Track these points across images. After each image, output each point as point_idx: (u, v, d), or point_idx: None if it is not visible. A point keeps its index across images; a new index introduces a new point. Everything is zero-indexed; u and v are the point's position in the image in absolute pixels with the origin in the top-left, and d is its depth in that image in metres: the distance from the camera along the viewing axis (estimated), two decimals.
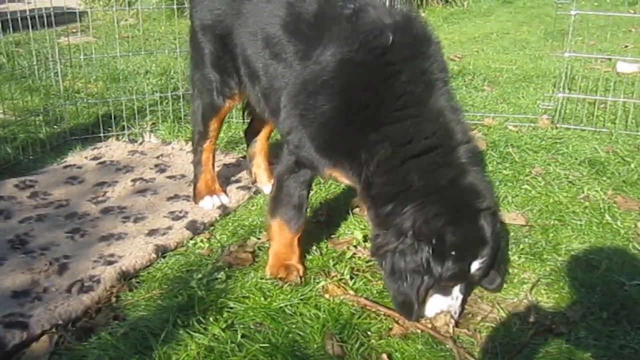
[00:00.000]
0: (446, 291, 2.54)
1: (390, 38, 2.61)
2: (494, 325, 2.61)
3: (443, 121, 2.57)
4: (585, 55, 6.12)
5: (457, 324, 2.58)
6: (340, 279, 2.87)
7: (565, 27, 5.37)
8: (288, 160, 2.91)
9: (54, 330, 2.52)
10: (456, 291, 2.55)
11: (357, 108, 2.64)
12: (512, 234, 3.33)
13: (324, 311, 2.62)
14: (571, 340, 2.50)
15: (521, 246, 3.20)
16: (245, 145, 4.18)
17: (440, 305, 2.56)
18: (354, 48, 2.67)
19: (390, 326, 2.58)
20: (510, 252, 3.14)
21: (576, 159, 4.34)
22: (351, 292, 2.79)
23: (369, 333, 2.54)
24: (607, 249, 3.18)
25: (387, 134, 2.56)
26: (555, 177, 4.03)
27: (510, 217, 3.51)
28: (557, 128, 5.00)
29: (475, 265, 2.45)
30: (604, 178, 4.01)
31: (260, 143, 3.99)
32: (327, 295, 2.75)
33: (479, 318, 2.67)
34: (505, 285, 2.88)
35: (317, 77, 2.76)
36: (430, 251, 2.40)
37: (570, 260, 3.09)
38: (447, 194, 2.48)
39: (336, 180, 2.97)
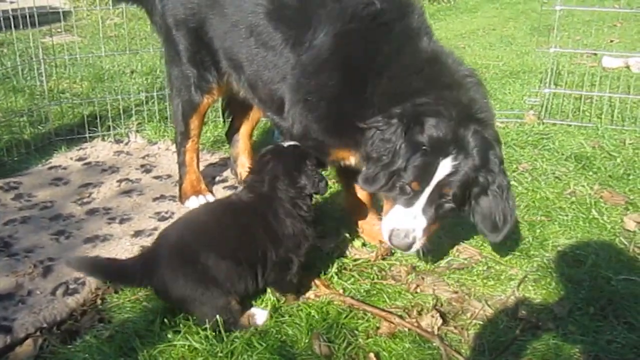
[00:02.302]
0: (408, 204, 2.51)
1: (378, 5, 2.76)
2: (481, 322, 2.62)
3: (442, 57, 2.71)
4: (571, 50, 6.15)
5: (444, 321, 2.58)
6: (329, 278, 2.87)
7: (551, 22, 5.39)
8: None
9: (38, 333, 2.50)
10: (418, 208, 2.50)
11: (358, 74, 2.72)
12: None
13: (312, 311, 2.61)
14: (559, 336, 2.51)
15: (508, 243, 3.19)
16: None
17: (398, 218, 2.53)
18: (346, 21, 2.79)
19: (377, 325, 2.58)
20: (497, 249, 3.14)
21: (562, 154, 4.36)
22: (340, 291, 2.79)
23: (356, 332, 2.54)
24: (593, 244, 3.19)
25: (385, 80, 2.67)
26: (542, 173, 4.04)
27: None
28: (543, 124, 5.01)
29: (443, 167, 2.42)
30: (590, 173, 4.03)
31: (242, 142, 3.97)
32: (313, 295, 2.74)
33: (467, 315, 2.67)
34: (492, 282, 2.90)
35: (315, 59, 2.83)
36: (403, 133, 2.45)
37: (557, 256, 3.09)
38: (443, 95, 2.53)
39: (339, 164, 3.00)
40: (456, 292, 2.82)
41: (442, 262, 3.06)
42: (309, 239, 2.64)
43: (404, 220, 2.51)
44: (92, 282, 2.81)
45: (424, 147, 2.44)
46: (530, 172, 4.05)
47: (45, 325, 2.54)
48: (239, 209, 2.65)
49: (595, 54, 6.80)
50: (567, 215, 3.47)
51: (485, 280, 2.91)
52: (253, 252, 2.53)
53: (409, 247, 2.53)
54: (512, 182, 3.85)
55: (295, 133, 2.87)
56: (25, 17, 4.65)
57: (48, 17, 5.61)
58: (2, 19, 4.77)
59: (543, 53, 5.99)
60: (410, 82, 2.61)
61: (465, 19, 10.89)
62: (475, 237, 3.27)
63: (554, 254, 3.11)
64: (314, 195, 2.74)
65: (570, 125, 4.95)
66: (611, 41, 7.24)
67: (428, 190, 2.47)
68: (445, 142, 2.43)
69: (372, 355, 2.38)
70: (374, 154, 2.57)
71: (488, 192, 2.53)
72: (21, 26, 4.72)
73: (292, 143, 2.75)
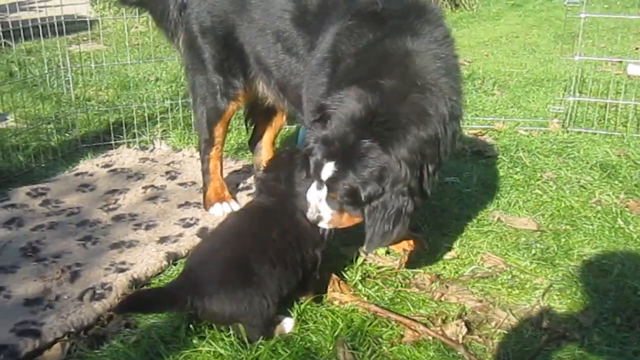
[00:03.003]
0: (317, 187, 2.55)
1: (381, 5, 2.73)
2: (506, 331, 2.60)
3: (415, 54, 2.60)
4: (595, 58, 6.09)
5: (469, 330, 2.57)
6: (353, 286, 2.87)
7: (575, 30, 5.35)
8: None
9: (66, 338, 2.53)
10: (322, 194, 2.53)
11: (346, 68, 2.70)
12: (523, 239, 3.32)
13: (336, 318, 2.62)
14: (584, 346, 2.48)
15: (533, 251, 3.18)
16: None
17: (311, 193, 2.57)
18: (347, 19, 2.78)
19: (401, 333, 2.57)
20: (521, 258, 3.13)
21: (587, 162, 4.32)
22: (364, 298, 2.79)
23: (380, 340, 2.53)
24: (619, 253, 3.16)
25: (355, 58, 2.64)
26: (567, 182, 4.01)
27: (522, 222, 3.50)
28: (568, 132, 4.98)
29: (326, 169, 2.44)
30: (616, 182, 3.99)
31: (265, 150, 4.00)
32: (337, 302, 2.74)
33: (491, 324, 2.65)
34: (517, 291, 2.88)
35: (317, 59, 2.86)
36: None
37: (583, 265, 3.07)
38: (361, 99, 2.44)
39: None
40: (480, 301, 2.81)
41: (466, 271, 3.05)
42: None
43: (312, 198, 2.57)
44: (118, 287, 2.84)
45: (318, 145, 2.46)
46: (554, 181, 4.02)
47: (72, 329, 2.57)
48: (269, 213, 2.67)
49: (620, 62, 6.74)
50: (592, 225, 3.44)
51: (509, 289, 2.90)
52: (293, 253, 2.54)
53: (316, 222, 2.58)
54: (537, 191, 3.86)
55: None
56: (53, 25, 4.73)
57: (75, 26, 5.70)
58: (30, 27, 4.85)
59: (567, 61, 5.95)
60: (369, 63, 2.59)
61: (488, 26, 10.85)
62: (499, 245, 3.26)
63: (580, 264, 3.09)
64: None
65: (595, 134, 4.91)
66: (636, 49, 7.18)
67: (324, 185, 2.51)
68: (333, 146, 2.42)
69: None
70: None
71: (370, 205, 2.47)
72: (49, 34, 4.79)
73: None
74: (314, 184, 2.56)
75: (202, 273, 2.40)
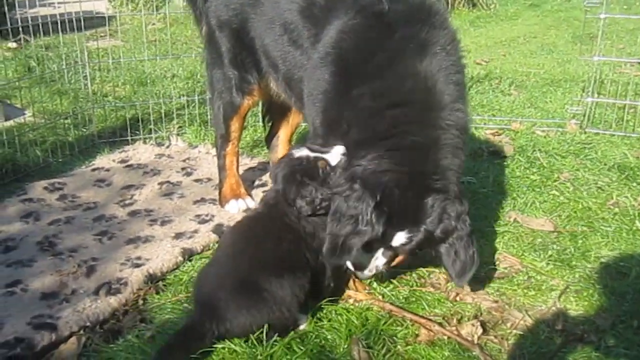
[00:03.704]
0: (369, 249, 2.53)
1: (387, 6, 2.68)
2: (522, 332, 2.58)
3: (427, 80, 2.57)
4: (614, 59, 6.04)
5: (484, 330, 2.56)
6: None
7: (594, 30, 5.32)
8: None
9: (82, 332, 2.54)
10: (379, 252, 2.54)
11: (349, 72, 2.68)
12: (539, 240, 3.30)
13: (351, 316, 2.61)
14: (601, 349, 2.46)
15: (549, 252, 3.16)
16: None
17: (360, 259, 2.55)
18: (352, 15, 2.75)
19: (416, 332, 2.57)
20: (538, 259, 3.11)
21: (605, 164, 4.28)
22: (379, 297, 2.78)
23: (395, 339, 2.53)
24: (637, 256, 3.12)
25: (370, 87, 2.59)
26: (584, 183, 3.98)
27: (538, 222, 3.47)
28: (585, 133, 4.94)
29: (399, 238, 2.44)
30: (634, 184, 3.95)
31: (282, 147, 4.01)
32: (352, 300, 2.74)
33: (507, 325, 2.64)
34: (533, 292, 2.86)
35: (319, 53, 2.83)
36: (371, 202, 2.39)
37: (600, 267, 3.04)
38: (405, 158, 2.45)
39: None
40: (496, 302, 2.79)
41: (482, 271, 3.03)
42: None
43: (369, 263, 2.58)
44: (134, 282, 2.85)
45: (385, 215, 2.41)
46: (572, 182, 3.99)
47: (88, 324, 2.58)
48: (260, 223, 2.64)
49: (639, 63, 6.68)
50: (610, 227, 3.41)
51: (525, 290, 2.88)
52: (296, 257, 2.51)
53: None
54: (554, 192, 3.83)
55: (311, 129, 2.88)
56: (72, 21, 4.76)
57: (93, 22, 5.75)
58: (49, 23, 4.89)
59: (586, 61, 5.90)
60: (385, 118, 2.53)
61: (505, 26, 10.80)
62: (515, 246, 3.24)
63: (597, 265, 3.06)
64: None
65: (613, 135, 4.86)
66: None
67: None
68: (402, 217, 2.43)
69: None
70: (336, 222, 2.48)
71: (445, 244, 2.52)
72: (67, 30, 4.82)
73: (302, 154, 2.63)
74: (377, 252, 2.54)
75: (217, 303, 2.37)
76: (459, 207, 2.48)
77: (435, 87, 2.56)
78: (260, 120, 4.82)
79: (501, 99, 6.02)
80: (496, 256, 3.15)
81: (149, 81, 6.28)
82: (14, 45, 7.38)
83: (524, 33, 9.96)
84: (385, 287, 2.85)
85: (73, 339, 2.50)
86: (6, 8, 6.93)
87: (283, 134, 4.00)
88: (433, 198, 2.42)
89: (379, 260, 2.56)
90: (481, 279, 2.96)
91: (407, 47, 2.62)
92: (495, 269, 3.05)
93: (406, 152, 2.46)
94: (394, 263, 2.67)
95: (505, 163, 4.34)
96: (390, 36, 2.66)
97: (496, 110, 5.64)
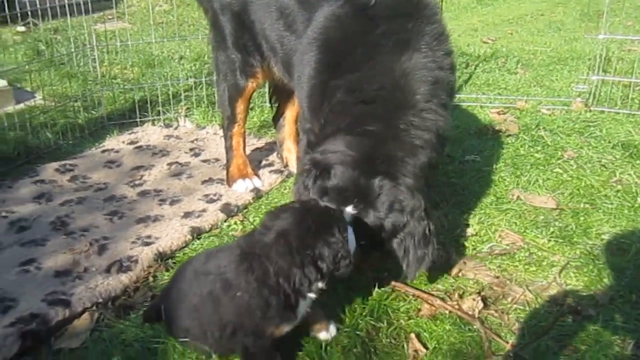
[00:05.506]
0: None
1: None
2: (522, 307, 2.64)
3: (401, 79, 2.58)
4: (621, 37, 6.00)
5: (485, 305, 2.62)
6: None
7: (602, 7, 5.29)
8: (302, 136, 3.00)
9: (94, 308, 2.62)
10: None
11: (330, 63, 2.72)
12: (542, 217, 3.35)
13: (355, 291, 2.67)
14: (599, 323, 2.51)
15: (551, 229, 3.21)
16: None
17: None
18: (339, 4, 2.79)
19: (419, 307, 2.63)
20: (539, 236, 3.16)
21: (609, 142, 4.30)
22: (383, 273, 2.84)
23: (398, 313, 2.59)
24: (638, 232, 3.17)
25: (345, 81, 2.63)
26: (588, 161, 4.01)
27: (541, 200, 3.51)
28: (591, 111, 4.95)
29: (345, 214, 2.43)
30: (638, 162, 3.97)
31: (288, 127, 4.05)
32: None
33: (508, 300, 2.69)
34: (534, 268, 2.91)
35: (307, 38, 2.87)
36: (315, 180, 2.49)
37: (601, 243, 3.09)
38: (362, 142, 2.50)
39: None
40: (497, 277, 2.85)
41: (484, 248, 3.09)
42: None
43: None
44: (144, 260, 2.93)
45: (330, 195, 2.46)
46: (575, 160, 4.02)
47: (100, 300, 2.66)
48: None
49: None
50: (612, 204, 3.45)
51: (527, 266, 2.93)
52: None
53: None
54: (557, 170, 3.86)
55: (300, 112, 2.94)
56: (80, 4, 4.80)
57: (100, 4, 5.78)
58: (57, 6, 4.93)
59: (592, 39, 5.89)
60: (351, 115, 2.58)
61: (512, 4, 10.72)
62: (518, 223, 3.29)
63: (598, 242, 3.10)
64: None
65: (618, 113, 4.87)
66: None
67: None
68: (346, 191, 2.45)
69: (413, 335, 2.43)
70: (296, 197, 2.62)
71: (397, 238, 2.52)
72: (75, 13, 4.86)
73: (307, 205, 2.31)
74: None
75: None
76: (413, 202, 2.47)
77: (406, 86, 2.58)
78: (267, 101, 4.87)
79: (507, 77, 6.03)
80: (498, 233, 3.20)
81: (156, 63, 6.33)
82: (23, 29, 7.43)
83: (531, 11, 9.90)
84: (389, 263, 2.90)
85: (86, 315, 2.58)
86: None
87: (289, 114, 4.05)
88: (380, 180, 2.43)
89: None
90: (483, 255, 3.02)
91: (388, 43, 2.64)
92: (498, 246, 3.10)
93: (358, 140, 2.50)
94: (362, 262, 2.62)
95: (509, 141, 4.37)
96: (372, 30, 2.68)
97: (502, 89, 5.65)
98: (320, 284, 2.17)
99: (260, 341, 2.14)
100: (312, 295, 2.19)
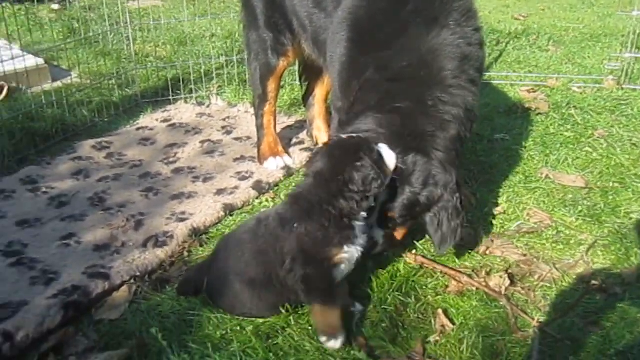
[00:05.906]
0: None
1: None
2: (548, 284, 2.68)
3: (428, 55, 2.61)
4: None
5: (512, 282, 2.66)
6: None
7: None
8: (334, 115, 3.03)
9: (132, 281, 2.72)
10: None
11: (361, 39, 2.75)
12: (570, 196, 3.36)
13: (384, 268, 2.74)
14: (625, 301, 2.54)
15: (579, 208, 3.22)
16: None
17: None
18: None
19: (446, 284, 2.68)
20: (568, 214, 3.18)
21: None
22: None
23: (425, 289, 2.65)
24: None
25: (375, 58, 2.67)
26: (618, 140, 4.00)
27: (570, 179, 3.53)
28: (622, 89, 4.91)
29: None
30: None
31: (318, 106, 4.10)
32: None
33: (534, 277, 2.73)
34: (561, 246, 2.94)
35: (339, 17, 2.90)
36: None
37: (629, 222, 3.10)
38: (392, 120, 2.52)
39: None
40: (525, 255, 2.88)
41: (512, 226, 3.12)
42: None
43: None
44: (179, 235, 3.02)
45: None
46: (605, 139, 4.01)
47: (138, 274, 2.75)
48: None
49: None
50: None
51: (554, 245, 2.96)
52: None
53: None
54: (587, 148, 3.86)
55: (332, 89, 2.98)
56: None
57: None
58: None
59: (626, 16, 5.80)
60: (380, 92, 2.61)
61: None
62: (546, 202, 3.31)
63: (626, 221, 3.12)
64: None
65: None
66: None
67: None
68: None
69: (440, 311, 2.49)
70: None
71: (430, 213, 2.57)
72: None
73: (334, 142, 2.47)
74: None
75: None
76: (446, 176, 2.52)
77: (434, 63, 2.61)
78: (297, 79, 4.91)
79: (538, 55, 5.99)
80: (526, 211, 3.23)
81: (188, 41, 6.40)
82: (57, 7, 7.56)
83: None
84: (417, 241, 2.95)
85: (124, 288, 2.68)
86: None
87: (319, 93, 4.09)
88: (413, 157, 2.47)
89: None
90: (510, 233, 3.05)
91: (416, 20, 2.67)
92: (525, 224, 3.13)
93: (389, 118, 2.54)
94: (398, 236, 2.71)
95: (539, 120, 4.37)
96: (401, 8, 2.70)
97: (533, 66, 5.63)
98: (364, 207, 2.30)
99: (322, 269, 2.27)
100: (360, 222, 2.33)
